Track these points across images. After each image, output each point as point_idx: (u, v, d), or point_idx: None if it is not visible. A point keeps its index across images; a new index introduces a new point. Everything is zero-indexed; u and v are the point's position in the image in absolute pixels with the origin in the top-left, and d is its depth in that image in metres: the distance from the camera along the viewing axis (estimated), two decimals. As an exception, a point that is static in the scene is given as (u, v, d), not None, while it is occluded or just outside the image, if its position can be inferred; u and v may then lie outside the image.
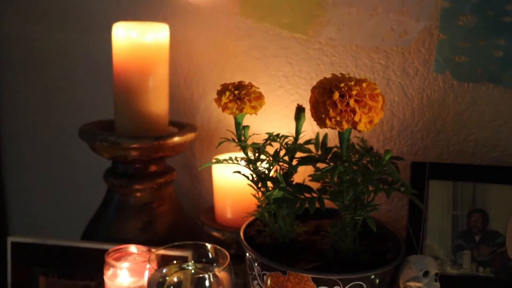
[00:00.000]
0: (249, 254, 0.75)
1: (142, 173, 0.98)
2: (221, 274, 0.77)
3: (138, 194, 0.98)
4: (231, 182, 0.91)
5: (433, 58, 0.89)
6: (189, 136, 0.98)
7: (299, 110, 0.77)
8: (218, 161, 0.75)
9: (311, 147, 0.80)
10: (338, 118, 0.64)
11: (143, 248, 0.87)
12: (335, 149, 0.78)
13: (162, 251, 0.79)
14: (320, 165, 0.76)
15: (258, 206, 0.79)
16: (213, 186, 0.96)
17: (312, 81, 0.66)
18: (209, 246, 0.81)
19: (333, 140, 0.94)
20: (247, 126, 0.74)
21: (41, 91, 1.26)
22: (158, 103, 0.98)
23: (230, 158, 0.75)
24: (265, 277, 0.72)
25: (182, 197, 1.13)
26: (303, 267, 0.71)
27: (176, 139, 0.95)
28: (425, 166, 0.80)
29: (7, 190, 1.38)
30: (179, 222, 1.02)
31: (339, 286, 0.68)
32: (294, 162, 0.76)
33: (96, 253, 0.93)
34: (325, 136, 0.80)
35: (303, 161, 0.74)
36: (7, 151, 1.34)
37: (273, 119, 1.01)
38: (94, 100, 1.20)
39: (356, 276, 0.68)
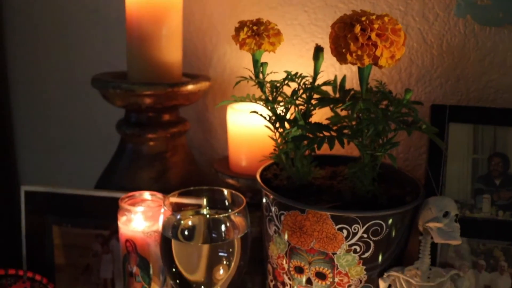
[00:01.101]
0: (266, 195, 0.74)
1: (155, 122, 0.97)
2: (237, 218, 0.76)
3: (151, 143, 0.97)
4: (246, 129, 0.90)
5: (454, 2, 0.86)
6: (203, 84, 0.97)
7: (318, 50, 0.75)
8: (236, 99, 0.74)
9: (329, 90, 0.78)
10: (359, 52, 0.63)
11: (157, 194, 0.86)
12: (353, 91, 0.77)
13: (177, 196, 0.78)
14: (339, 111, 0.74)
15: (275, 148, 0.77)
16: (227, 134, 0.95)
17: (328, 29, 0.64)
18: (225, 190, 0.80)
19: (350, 83, 0.93)
20: (265, 63, 0.72)
21: (52, 44, 1.24)
22: (171, 52, 0.96)
23: (248, 96, 0.73)
24: (282, 217, 0.71)
25: (194, 151, 1.12)
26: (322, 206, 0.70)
27: (190, 87, 0.93)
28: (445, 108, 0.79)
29: (19, 143, 1.38)
30: (192, 172, 1.01)
31: (359, 224, 0.67)
32: (313, 103, 0.74)
33: (110, 202, 0.92)
34: (343, 78, 0.78)
35: (321, 102, 0.73)
36: (19, 104, 1.33)
37: (288, 68, 0.99)
38: (105, 54, 1.19)
39: (376, 215, 0.67)
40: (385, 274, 0.72)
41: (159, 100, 0.92)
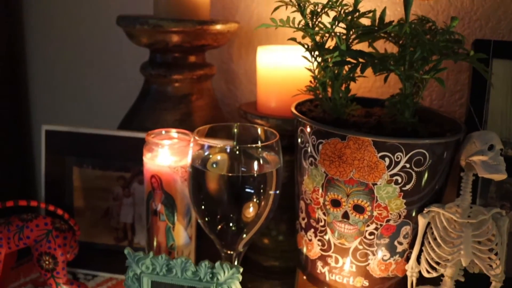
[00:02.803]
0: (303, 125, 0.71)
1: (181, 63, 0.94)
2: (269, 155, 0.74)
3: (177, 84, 0.94)
4: (276, 69, 0.87)
5: None
6: (232, 26, 0.94)
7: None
8: (275, 22, 0.71)
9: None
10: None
11: (184, 131, 0.83)
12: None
13: (207, 130, 0.75)
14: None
15: (311, 80, 0.75)
16: (256, 75, 0.92)
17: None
18: (258, 127, 0.77)
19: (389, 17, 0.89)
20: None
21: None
22: (199, -9, 0.93)
23: (288, 20, 0.70)
24: (320, 147, 0.68)
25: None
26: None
27: (219, 26, 0.91)
28: (489, 44, 0.76)
29: (41, 85, 1.36)
30: (216, 117, 0.98)
31: (401, 153, 0.64)
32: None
33: (133, 143, 0.90)
34: (384, 10, 0.75)
35: (364, 32, 0.70)
36: (42, 45, 1.31)
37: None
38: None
39: (420, 142, 0.64)
40: (425, 210, 0.69)
41: (187, 38, 0.89)
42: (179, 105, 0.94)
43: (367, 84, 0.96)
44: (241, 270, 0.67)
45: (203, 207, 0.73)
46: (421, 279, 0.72)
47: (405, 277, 0.73)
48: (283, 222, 0.90)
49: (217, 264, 0.67)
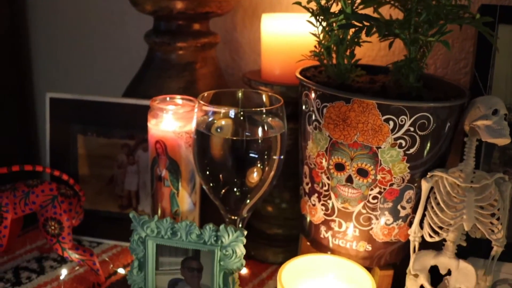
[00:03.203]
0: (307, 89, 0.71)
1: (185, 31, 0.94)
2: (273, 121, 0.74)
3: (181, 52, 0.94)
4: (281, 36, 0.87)
5: None
6: (236, -8, 0.93)
7: None
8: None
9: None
10: None
11: (189, 97, 0.83)
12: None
13: (212, 95, 0.75)
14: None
15: (316, 46, 0.74)
16: (261, 42, 0.91)
17: None
18: (262, 92, 0.77)
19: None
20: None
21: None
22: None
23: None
24: (325, 110, 0.68)
25: (221, 72, 1.09)
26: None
27: (223, -8, 0.90)
28: (495, 9, 0.75)
29: (44, 53, 1.35)
30: (221, 86, 0.98)
31: (406, 116, 0.64)
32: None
33: (137, 110, 0.90)
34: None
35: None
36: (44, 14, 1.30)
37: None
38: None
39: (425, 106, 0.64)
40: (429, 174, 0.69)
41: (191, 5, 0.89)
42: (183, 73, 0.94)
43: (371, 53, 0.96)
44: (245, 233, 0.68)
45: (207, 172, 0.74)
46: (423, 244, 0.72)
47: (407, 242, 0.74)
48: (287, 190, 0.90)
49: (222, 227, 0.68)
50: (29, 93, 1.39)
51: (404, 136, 0.65)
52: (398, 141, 0.66)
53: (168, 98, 0.83)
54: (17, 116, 1.37)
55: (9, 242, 0.89)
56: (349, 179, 0.69)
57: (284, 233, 0.94)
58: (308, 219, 0.78)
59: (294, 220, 0.92)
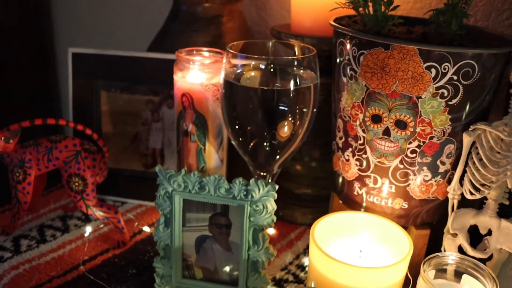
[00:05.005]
0: (342, 36, 0.67)
1: (212, -17, 0.90)
2: (305, 72, 0.70)
3: (207, 5, 0.90)
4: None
5: None
6: None
7: None
8: None
9: None
10: None
11: (216, 49, 0.80)
12: None
13: (241, 45, 0.72)
14: None
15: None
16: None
17: None
18: (294, 42, 0.74)
19: None
20: None
21: None
22: None
23: None
24: (361, 58, 0.64)
25: (247, 29, 1.05)
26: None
27: None
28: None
29: (65, 6, 1.32)
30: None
31: (449, 63, 0.60)
32: None
33: (162, 65, 0.87)
34: None
35: None
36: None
37: None
38: None
39: (470, 52, 0.60)
40: (471, 128, 0.65)
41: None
42: (209, 27, 0.90)
43: (406, 6, 0.91)
44: (277, 187, 0.65)
45: (236, 126, 0.71)
46: (461, 203, 0.69)
47: (445, 200, 0.70)
48: (316, 148, 0.87)
49: (252, 180, 0.65)
50: (51, 50, 1.36)
51: (447, 85, 0.61)
52: (440, 91, 0.62)
53: (194, 51, 0.79)
54: (39, 74, 1.34)
55: (33, 200, 0.88)
56: (386, 132, 0.66)
57: (313, 193, 0.90)
58: (340, 176, 0.74)
59: (323, 180, 0.89)
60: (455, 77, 0.61)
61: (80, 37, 1.33)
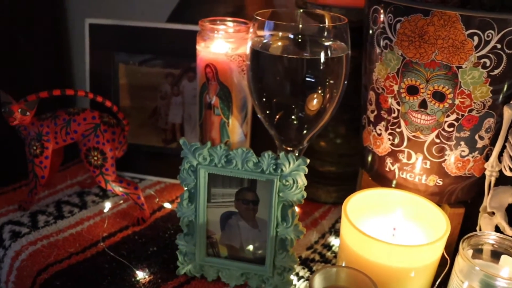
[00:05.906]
0: (377, 2, 0.64)
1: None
2: (335, 44, 0.67)
3: (230, -26, 0.87)
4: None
5: None
6: None
7: None
8: None
9: None
10: None
11: (240, 19, 0.76)
12: None
13: (269, 14, 0.68)
14: None
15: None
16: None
17: None
18: (324, 12, 0.70)
19: None
20: None
21: None
22: None
23: None
24: (398, 26, 0.61)
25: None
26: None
27: None
28: None
29: None
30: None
31: (493, 30, 0.57)
32: None
33: (183, 36, 0.84)
34: None
35: None
36: None
37: None
38: None
39: (517, 18, 0.56)
40: (513, 100, 0.62)
41: None
42: (232, -3, 0.87)
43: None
44: (308, 161, 0.62)
45: (263, 98, 0.68)
46: (498, 180, 0.65)
47: (481, 178, 0.67)
48: (342, 123, 0.84)
49: (282, 154, 0.62)
50: (65, 21, 1.33)
51: (489, 55, 0.58)
52: (482, 60, 0.58)
53: (218, 21, 0.76)
54: (55, 46, 1.32)
55: (50, 175, 0.85)
56: (423, 104, 0.62)
57: (338, 170, 0.87)
58: (371, 151, 0.71)
59: (349, 157, 0.86)
60: (498, 46, 0.57)
61: (95, 8, 1.30)
